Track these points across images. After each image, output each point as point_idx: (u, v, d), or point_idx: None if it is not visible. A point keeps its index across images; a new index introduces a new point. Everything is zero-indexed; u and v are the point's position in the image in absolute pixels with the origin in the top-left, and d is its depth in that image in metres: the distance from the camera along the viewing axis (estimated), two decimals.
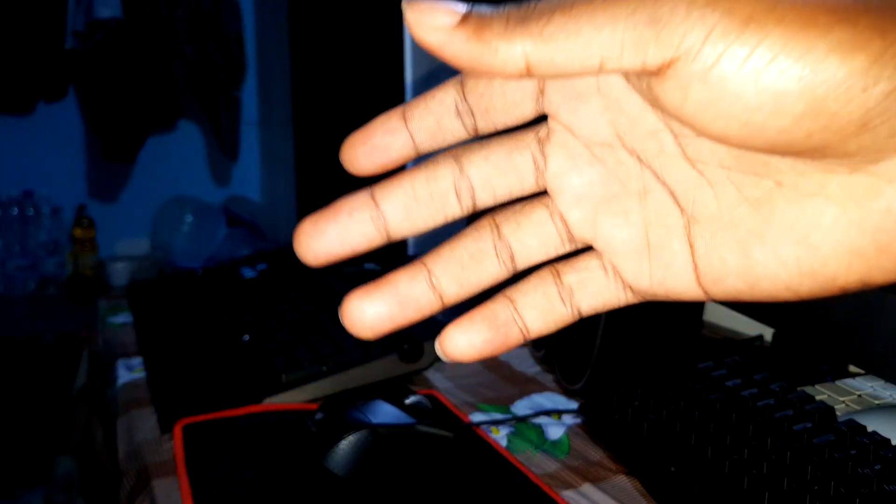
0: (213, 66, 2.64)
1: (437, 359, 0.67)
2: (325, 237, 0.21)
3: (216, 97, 2.68)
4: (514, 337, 0.22)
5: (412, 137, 0.22)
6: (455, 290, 0.22)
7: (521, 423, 0.59)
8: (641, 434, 0.52)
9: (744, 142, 0.18)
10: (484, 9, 0.19)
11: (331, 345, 0.66)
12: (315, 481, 0.48)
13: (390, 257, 1.10)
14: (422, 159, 0.23)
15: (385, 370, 0.64)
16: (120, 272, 2.55)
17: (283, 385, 0.61)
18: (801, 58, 0.16)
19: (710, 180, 0.20)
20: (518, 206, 0.22)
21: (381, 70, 2.15)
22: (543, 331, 0.22)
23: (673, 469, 0.47)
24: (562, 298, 0.22)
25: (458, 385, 0.67)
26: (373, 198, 0.22)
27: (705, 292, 0.21)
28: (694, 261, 0.20)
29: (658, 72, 0.18)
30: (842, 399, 0.58)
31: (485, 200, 0.22)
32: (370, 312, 0.21)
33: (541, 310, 0.22)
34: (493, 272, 0.22)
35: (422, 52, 2.05)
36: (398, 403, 0.53)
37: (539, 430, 0.58)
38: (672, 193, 0.20)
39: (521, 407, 0.62)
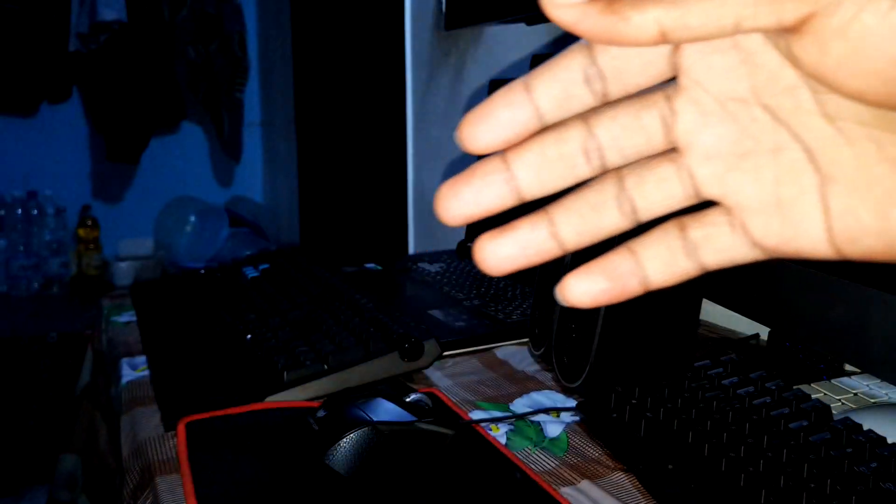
0: (216, 68, 2.65)
1: (437, 357, 0.67)
2: (462, 199, 0.22)
3: (219, 99, 2.68)
4: (632, 287, 0.22)
5: (537, 109, 0.22)
6: (574, 239, 0.22)
7: (520, 421, 0.59)
8: (639, 432, 0.52)
9: (884, 99, 0.17)
10: None
11: (332, 344, 0.67)
12: (317, 478, 0.49)
13: (390, 257, 1.11)
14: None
15: (386, 368, 0.64)
16: (123, 272, 2.56)
17: (284, 383, 0.61)
18: None
19: (849, 138, 0.19)
20: (643, 161, 0.22)
21: (383, 71, 2.15)
22: (665, 283, 0.22)
23: (670, 466, 0.48)
24: (686, 252, 0.22)
25: (457, 383, 0.67)
26: (504, 161, 0.22)
27: (838, 251, 0.21)
28: (828, 220, 0.20)
29: (795, 28, 0.17)
30: (838, 397, 0.58)
31: (613, 160, 0.22)
32: (497, 253, 0.22)
33: (663, 262, 0.22)
34: (614, 223, 0.22)
35: (422, 54, 2.05)
36: (399, 401, 0.53)
37: (538, 427, 0.58)
38: (808, 151, 0.20)
39: (520, 405, 0.62)
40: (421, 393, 0.56)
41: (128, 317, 0.89)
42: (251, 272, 0.93)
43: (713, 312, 0.71)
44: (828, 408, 0.50)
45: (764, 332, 0.73)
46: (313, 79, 2.51)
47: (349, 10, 2.48)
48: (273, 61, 2.81)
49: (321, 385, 0.62)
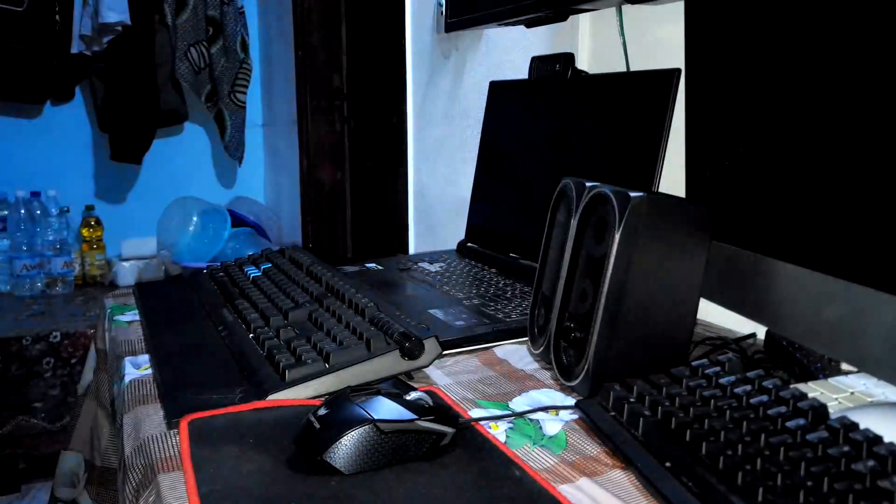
0: (219, 70, 2.66)
1: (438, 356, 0.67)
2: None
3: (221, 100, 2.69)
4: None
5: None
6: None
7: (519, 419, 0.60)
8: (637, 430, 0.53)
9: None
10: None
11: (333, 342, 0.67)
12: (318, 475, 0.49)
13: (390, 257, 1.11)
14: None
15: (386, 367, 0.65)
16: (127, 271, 2.57)
17: (286, 382, 0.62)
18: None
19: None
20: None
21: (384, 73, 2.15)
22: None
23: (668, 465, 0.48)
24: None
25: (457, 382, 0.67)
26: None
27: None
28: None
29: None
30: (835, 396, 0.59)
31: None
32: None
33: None
34: None
35: (423, 56, 2.06)
36: (399, 399, 0.54)
37: (537, 425, 0.59)
38: None
39: (519, 403, 0.63)
40: (421, 391, 0.57)
41: (131, 316, 0.89)
42: (253, 271, 0.93)
43: (711, 311, 0.71)
44: (825, 406, 0.50)
45: (761, 331, 0.73)
46: (316, 80, 2.51)
47: (350, 11, 2.48)
48: (275, 63, 2.82)
49: (322, 383, 0.62)
